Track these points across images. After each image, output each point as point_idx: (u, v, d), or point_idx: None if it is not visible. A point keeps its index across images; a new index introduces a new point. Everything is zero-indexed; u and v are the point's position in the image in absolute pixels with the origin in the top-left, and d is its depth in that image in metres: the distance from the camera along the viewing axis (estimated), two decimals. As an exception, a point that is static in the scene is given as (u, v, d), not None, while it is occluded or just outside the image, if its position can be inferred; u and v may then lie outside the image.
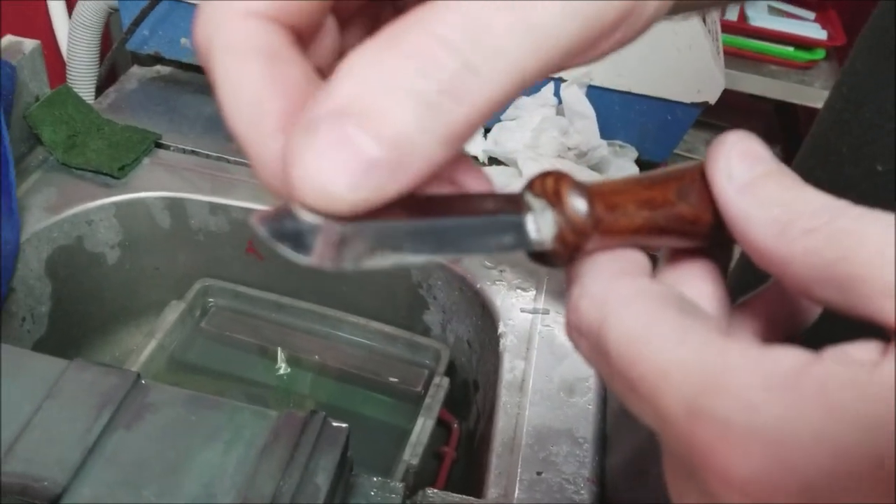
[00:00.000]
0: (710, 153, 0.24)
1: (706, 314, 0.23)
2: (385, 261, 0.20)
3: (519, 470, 0.59)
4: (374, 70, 0.18)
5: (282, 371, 0.84)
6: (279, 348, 0.84)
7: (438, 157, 0.19)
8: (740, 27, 1.56)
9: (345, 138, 0.18)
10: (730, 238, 0.24)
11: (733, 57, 1.56)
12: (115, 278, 0.82)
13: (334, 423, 0.47)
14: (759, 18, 1.60)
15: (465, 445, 0.78)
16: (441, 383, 0.76)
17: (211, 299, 0.84)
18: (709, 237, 0.25)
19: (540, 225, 0.23)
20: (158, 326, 0.78)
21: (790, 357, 0.20)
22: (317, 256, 0.20)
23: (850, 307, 0.21)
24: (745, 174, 0.23)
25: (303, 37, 0.23)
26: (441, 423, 0.77)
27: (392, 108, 0.18)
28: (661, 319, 0.21)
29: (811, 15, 1.62)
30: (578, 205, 0.23)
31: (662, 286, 0.23)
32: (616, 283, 0.23)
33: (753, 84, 1.62)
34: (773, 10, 1.65)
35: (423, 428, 0.71)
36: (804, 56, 1.52)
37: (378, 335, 0.82)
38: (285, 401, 0.81)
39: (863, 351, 0.20)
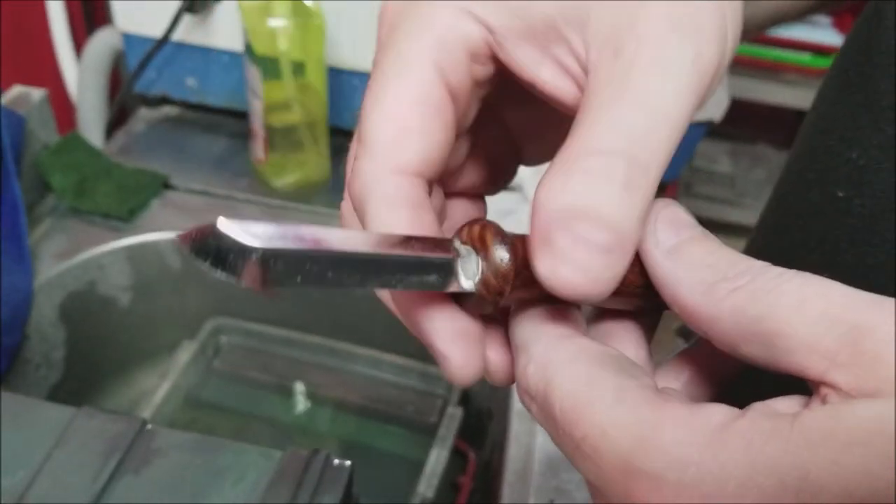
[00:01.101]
0: None
1: (642, 372, 0.23)
2: (309, 286, 0.21)
3: (531, 499, 0.58)
4: (574, 183, 0.22)
5: (301, 407, 0.84)
6: (296, 384, 0.84)
7: (639, 231, 0.23)
8: (756, 37, 1.55)
9: (578, 236, 0.22)
10: (659, 302, 0.25)
11: (750, 67, 1.55)
12: (128, 321, 0.83)
13: (336, 462, 0.47)
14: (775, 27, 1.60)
15: (482, 475, 0.77)
16: (455, 413, 0.75)
17: (223, 337, 0.85)
18: (637, 298, 0.26)
19: (466, 269, 0.24)
20: (172, 367, 0.79)
21: (718, 413, 0.21)
22: (240, 277, 0.20)
23: (774, 362, 0.21)
24: (671, 239, 0.24)
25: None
26: (458, 453, 0.76)
27: (603, 204, 0.22)
28: (599, 380, 0.22)
29: (828, 20, 1.61)
30: (501, 253, 0.24)
31: (601, 346, 0.24)
32: (557, 346, 0.24)
33: (772, 93, 1.61)
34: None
35: (437, 459, 0.70)
36: (821, 63, 1.51)
37: (391, 367, 0.82)
38: (306, 438, 0.81)
39: (786, 404, 0.21)
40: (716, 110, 0.82)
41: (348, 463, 0.47)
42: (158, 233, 0.80)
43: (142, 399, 0.80)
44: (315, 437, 0.81)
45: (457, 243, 0.24)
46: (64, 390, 0.78)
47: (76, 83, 1.01)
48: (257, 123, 0.84)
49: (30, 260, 0.73)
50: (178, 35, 0.89)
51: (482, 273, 0.24)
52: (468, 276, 0.24)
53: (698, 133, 0.84)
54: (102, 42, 0.98)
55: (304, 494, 0.46)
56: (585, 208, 0.22)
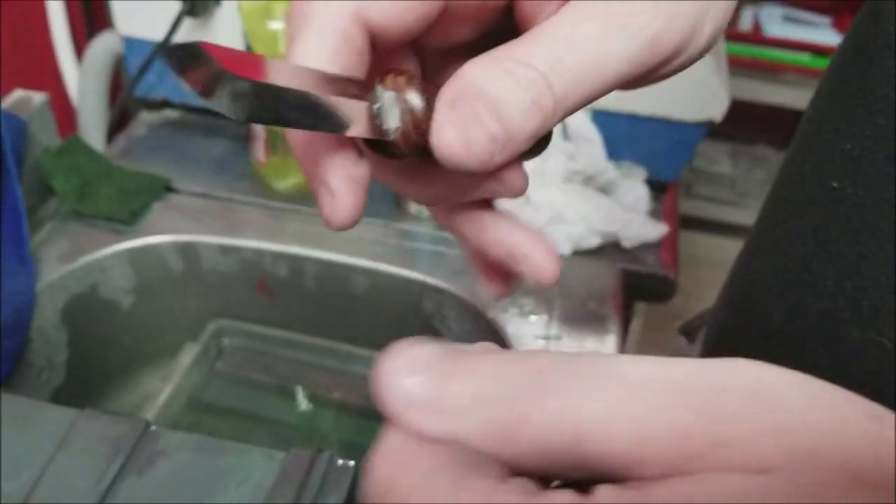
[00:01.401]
0: (376, 386, 0.22)
1: (488, 463, 0.21)
2: (240, 114, 0.21)
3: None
4: (495, 72, 0.24)
5: (303, 408, 0.84)
6: (298, 386, 0.84)
7: (521, 146, 0.25)
8: (755, 37, 1.55)
9: (476, 114, 0.24)
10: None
11: (750, 67, 1.55)
12: (131, 323, 0.83)
13: (340, 462, 0.47)
14: (774, 27, 1.59)
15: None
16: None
17: (225, 339, 0.85)
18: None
19: (385, 115, 0.25)
20: (174, 369, 0.79)
21: (560, 498, 0.19)
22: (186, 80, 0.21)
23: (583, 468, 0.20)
24: (422, 393, 0.21)
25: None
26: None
27: (508, 100, 0.24)
28: (441, 473, 0.20)
29: (827, 20, 1.61)
30: (417, 101, 0.25)
31: (459, 451, 0.21)
32: (407, 440, 0.21)
33: (771, 93, 1.61)
34: (788, 19, 1.65)
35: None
36: (820, 63, 1.52)
37: (393, 368, 0.82)
38: (308, 439, 0.81)
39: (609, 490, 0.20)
40: (716, 111, 0.82)
41: (352, 463, 0.47)
42: (160, 236, 0.80)
43: (144, 401, 0.80)
44: (317, 438, 0.81)
45: (379, 89, 0.25)
46: (66, 393, 0.78)
47: (77, 87, 1.02)
48: (258, 126, 0.84)
49: (32, 263, 0.73)
50: (179, 38, 0.89)
51: (400, 121, 0.25)
52: (385, 123, 0.25)
53: (698, 134, 0.84)
54: (103, 46, 0.98)
55: (307, 495, 0.46)
56: (495, 98, 0.24)
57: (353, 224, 0.26)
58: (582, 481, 0.21)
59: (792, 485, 0.18)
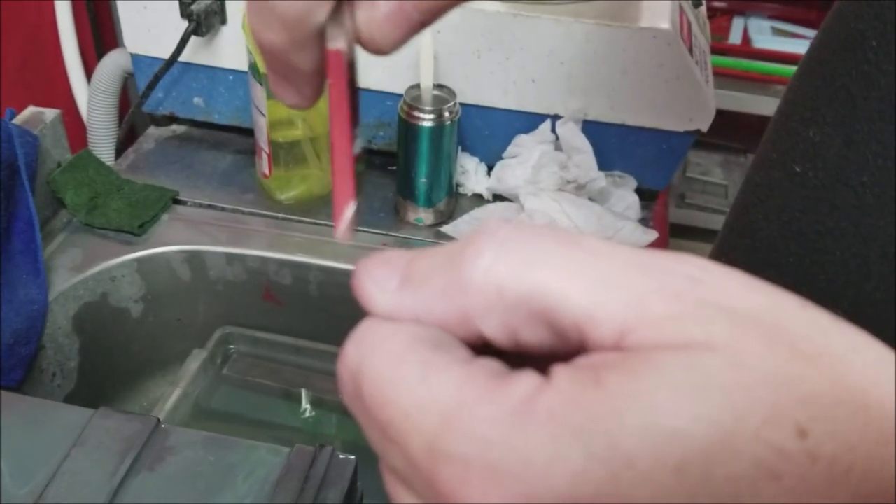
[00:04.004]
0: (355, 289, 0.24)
1: (457, 345, 0.22)
2: None
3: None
4: None
5: (307, 414, 0.87)
6: (303, 390, 0.87)
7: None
8: (744, 50, 1.58)
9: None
10: None
11: (739, 79, 1.58)
12: (140, 331, 0.86)
13: (341, 456, 0.49)
14: (763, 40, 1.62)
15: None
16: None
17: (232, 346, 0.87)
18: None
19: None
20: (182, 375, 0.81)
21: (522, 385, 0.20)
22: None
23: (560, 343, 0.21)
24: (392, 278, 0.23)
25: None
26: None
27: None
28: (408, 358, 0.21)
29: (814, 33, 1.64)
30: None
31: (421, 327, 0.23)
32: (375, 326, 0.23)
33: (761, 105, 1.64)
34: (777, 31, 1.68)
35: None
36: (807, 76, 1.55)
37: (394, 372, 0.85)
38: (313, 441, 0.84)
39: (589, 362, 0.20)
40: (703, 121, 0.85)
41: (353, 457, 0.50)
42: (168, 246, 0.83)
43: (153, 406, 0.82)
44: (321, 441, 0.83)
45: None
46: (78, 398, 0.80)
47: (87, 103, 1.05)
48: (262, 140, 0.87)
49: (45, 273, 0.76)
50: (185, 56, 0.93)
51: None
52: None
53: (686, 143, 0.87)
54: (112, 63, 1.02)
55: (311, 487, 0.49)
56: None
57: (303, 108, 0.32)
58: (538, 358, 0.22)
59: (735, 362, 0.19)
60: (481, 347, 0.23)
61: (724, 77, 1.50)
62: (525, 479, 0.18)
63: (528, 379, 0.20)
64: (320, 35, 0.29)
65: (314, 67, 0.30)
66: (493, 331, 0.22)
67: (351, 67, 0.29)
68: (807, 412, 0.18)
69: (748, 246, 0.38)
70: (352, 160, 0.29)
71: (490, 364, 0.21)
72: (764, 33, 1.64)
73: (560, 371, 0.20)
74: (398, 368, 0.21)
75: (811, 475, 0.18)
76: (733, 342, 0.19)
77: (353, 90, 0.30)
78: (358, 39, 0.29)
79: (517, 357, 0.22)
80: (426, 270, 0.23)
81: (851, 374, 0.19)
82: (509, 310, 0.21)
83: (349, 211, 0.27)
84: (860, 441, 0.18)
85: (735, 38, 1.65)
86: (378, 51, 0.29)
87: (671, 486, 0.18)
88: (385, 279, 0.23)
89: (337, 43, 0.28)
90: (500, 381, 0.20)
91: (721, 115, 0.88)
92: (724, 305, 0.20)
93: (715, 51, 1.23)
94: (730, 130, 0.85)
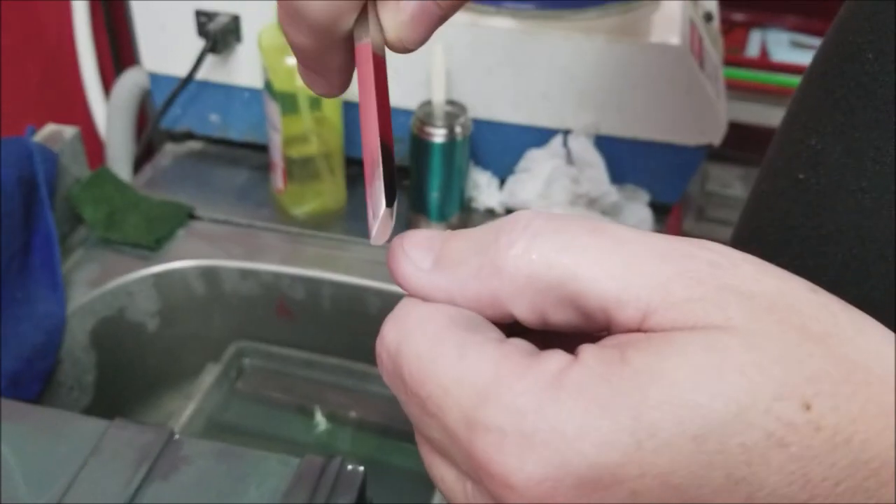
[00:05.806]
0: (389, 261, 0.26)
1: (489, 327, 0.24)
2: None
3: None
4: None
5: (321, 428, 0.87)
6: (316, 405, 0.87)
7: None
8: (763, 63, 1.58)
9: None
10: None
11: (758, 92, 1.58)
12: (156, 345, 0.86)
13: (350, 467, 0.50)
14: (781, 53, 1.62)
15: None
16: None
17: (245, 360, 0.88)
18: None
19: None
20: (197, 389, 0.82)
21: (554, 361, 0.22)
22: None
23: (587, 322, 0.23)
24: (427, 257, 0.25)
25: None
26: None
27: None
28: (445, 338, 0.23)
29: (830, 47, 1.64)
30: None
31: (455, 308, 0.24)
32: (414, 306, 0.25)
33: (779, 118, 1.64)
34: (795, 44, 1.68)
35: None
36: (824, 88, 1.54)
37: (407, 386, 0.85)
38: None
39: (615, 342, 0.22)
40: (715, 134, 0.86)
41: (361, 468, 0.50)
42: (184, 261, 0.84)
43: (168, 420, 0.83)
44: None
45: None
46: (94, 411, 0.81)
47: (105, 121, 1.06)
48: (277, 155, 0.88)
49: (63, 288, 0.77)
50: (202, 74, 0.94)
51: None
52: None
53: (698, 156, 0.87)
54: (130, 81, 1.03)
55: (320, 497, 0.49)
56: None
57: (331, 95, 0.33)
58: (563, 335, 0.24)
59: (750, 343, 0.20)
60: (508, 325, 0.24)
61: (742, 90, 1.50)
62: (557, 447, 0.20)
63: (558, 357, 0.22)
64: (348, 38, 0.30)
65: (342, 64, 0.31)
66: (523, 312, 0.23)
67: (379, 66, 0.30)
68: (813, 388, 0.20)
69: (754, 251, 0.39)
70: (380, 160, 0.28)
71: (522, 344, 0.23)
72: (782, 46, 1.64)
73: (588, 350, 0.22)
74: (437, 347, 0.23)
75: (815, 444, 0.20)
76: (749, 325, 0.21)
77: (384, 88, 0.30)
78: (385, 40, 0.30)
79: (542, 334, 0.24)
80: (460, 253, 0.24)
81: (856, 353, 0.21)
82: (539, 294, 0.23)
83: (382, 212, 0.27)
84: (860, 413, 0.20)
85: (753, 50, 1.65)
86: (405, 50, 0.30)
87: (689, 453, 0.20)
88: (420, 259, 0.25)
89: (364, 41, 0.29)
90: (533, 359, 0.22)
91: (739, 128, 0.88)
92: (742, 289, 0.21)
93: (731, 63, 1.22)
94: (748, 143, 0.85)
